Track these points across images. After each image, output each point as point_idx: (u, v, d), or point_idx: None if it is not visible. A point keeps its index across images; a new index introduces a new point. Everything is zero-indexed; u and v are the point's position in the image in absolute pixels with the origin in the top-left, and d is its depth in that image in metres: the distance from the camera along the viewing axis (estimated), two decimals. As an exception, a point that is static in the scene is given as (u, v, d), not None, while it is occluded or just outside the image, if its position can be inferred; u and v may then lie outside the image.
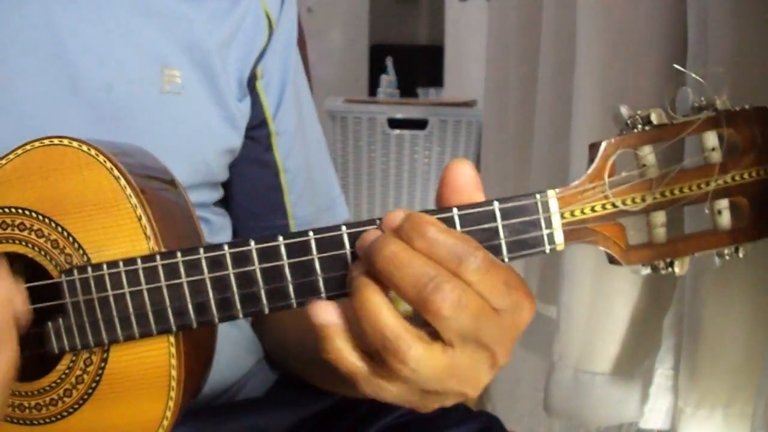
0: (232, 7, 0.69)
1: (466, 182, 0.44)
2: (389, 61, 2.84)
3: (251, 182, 0.74)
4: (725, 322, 0.69)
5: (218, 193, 0.73)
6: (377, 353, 0.41)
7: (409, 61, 3.64)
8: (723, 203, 0.47)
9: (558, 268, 0.94)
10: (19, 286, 0.47)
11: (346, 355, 0.43)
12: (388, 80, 2.72)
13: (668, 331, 0.79)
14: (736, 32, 0.63)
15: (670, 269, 0.47)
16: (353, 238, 0.45)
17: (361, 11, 4.37)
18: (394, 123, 2.20)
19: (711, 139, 0.46)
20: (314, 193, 0.77)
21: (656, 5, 0.78)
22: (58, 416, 0.49)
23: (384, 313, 0.41)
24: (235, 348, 0.72)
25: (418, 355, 0.41)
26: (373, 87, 3.29)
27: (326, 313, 0.43)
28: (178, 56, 0.65)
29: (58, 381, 0.49)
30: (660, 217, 0.47)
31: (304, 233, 0.45)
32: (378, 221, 0.44)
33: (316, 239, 0.45)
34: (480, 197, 0.45)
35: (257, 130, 0.73)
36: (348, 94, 2.45)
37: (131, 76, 0.63)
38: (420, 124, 2.20)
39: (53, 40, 0.60)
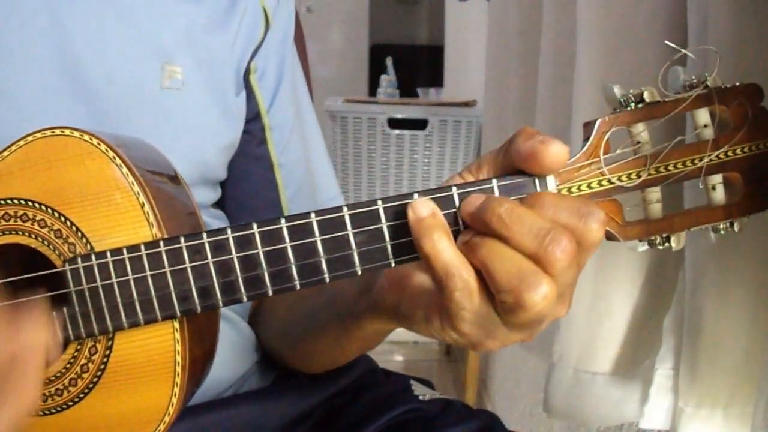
0: (232, 4, 0.69)
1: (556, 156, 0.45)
2: (389, 61, 2.83)
3: (245, 177, 0.74)
4: (725, 322, 0.69)
5: (216, 194, 0.73)
6: (507, 292, 0.43)
7: (409, 61, 3.64)
8: (717, 179, 0.48)
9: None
10: (54, 331, 0.48)
11: (445, 246, 0.44)
12: (388, 80, 2.72)
13: (668, 331, 0.79)
14: (736, 31, 0.63)
15: (666, 244, 0.48)
16: (354, 219, 0.46)
17: (361, 11, 4.36)
18: (394, 123, 2.20)
19: (703, 116, 0.47)
20: (313, 191, 0.77)
21: (657, 5, 0.78)
22: (64, 406, 0.50)
23: (516, 254, 0.43)
24: (233, 349, 0.72)
25: (548, 289, 0.43)
26: (373, 87, 3.28)
27: (426, 206, 0.45)
28: (180, 52, 0.65)
29: (63, 371, 0.49)
30: (655, 193, 0.48)
31: (306, 215, 0.46)
32: (380, 201, 0.46)
33: (318, 221, 0.46)
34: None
35: (251, 123, 0.73)
36: (348, 94, 2.45)
37: (132, 71, 0.63)
38: (420, 124, 2.20)
39: (57, 31, 0.61)
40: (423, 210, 0.45)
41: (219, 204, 0.75)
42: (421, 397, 0.71)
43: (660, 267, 0.83)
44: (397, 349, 2.70)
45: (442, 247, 0.44)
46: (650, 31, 0.79)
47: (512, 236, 0.43)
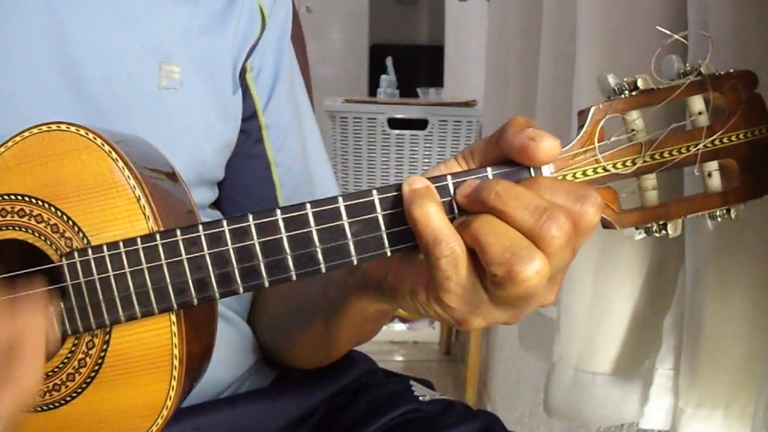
0: (230, 3, 0.69)
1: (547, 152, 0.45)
2: (389, 61, 2.84)
3: (241, 176, 0.74)
4: (725, 322, 0.69)
5: (213, 194, 0.73)
6: (499, 264, 0.42)
7: (409, 61, 3.64)
8: (713, 165, 0.48)
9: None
10: (52, 326, 0.48)
11: (435, 213, 0.44)
12: (388, 80, 2.72)
13: (668, 331, 0.79)
14: (736, 31, 0.63)
15: (663, 232, 0.48)
16: (350, 209, 0.46)
17: (361, 11, 4.37)
18: (394, 123, 2.20)
19: (697, 103, 0.47)
20: (311, 190, 0.77)
21: (656, 5, 0.78)
22: (62, 401, 0.50)
23: (511, 229, 0.43)
24: (233, 348, 0.72)
25: (541, 265, 0.42)
26: (373, 87, 3.29)
27: (420, 180, 0.46)
28: (178, 52, 0.66)
29: (61, 366, 0.50)
30: (650, 180, 0.48)
31: (302, 206, 0.46)
32: (375, 191, 0.46)
33: (313, 213, 0.46)
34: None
35: (248, 122, 0.73)
36: (348, 94, 2.45)
37: (130, 70, 0.63)
38: (420, 124, 2.20)
39: (55, 31, 0.61)
40: (417, 183, 0.46)
41: (215, 204, 0.75)
42: (421, 398, 0.71)
43: (660, 267, 0.83)
44: (397, 349, 2.70)
45: (432, 212, 0.44)
46: (650, 32, 0.79)
47: (509, 211, 0.43)
